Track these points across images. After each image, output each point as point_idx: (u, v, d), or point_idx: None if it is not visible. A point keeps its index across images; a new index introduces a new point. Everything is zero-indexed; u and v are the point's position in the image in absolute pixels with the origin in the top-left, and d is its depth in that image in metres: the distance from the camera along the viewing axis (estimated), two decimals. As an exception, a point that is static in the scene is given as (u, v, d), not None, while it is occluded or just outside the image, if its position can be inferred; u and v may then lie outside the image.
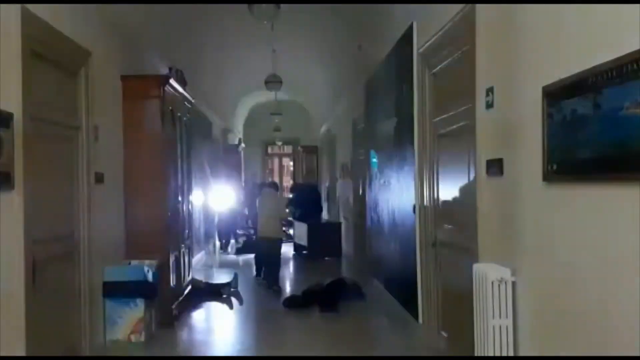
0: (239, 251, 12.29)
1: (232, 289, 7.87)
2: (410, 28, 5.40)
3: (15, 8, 3.55)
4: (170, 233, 6.26)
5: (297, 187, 15.15)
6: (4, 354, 3.39)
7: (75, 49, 4.60)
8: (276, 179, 20.87)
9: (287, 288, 8.13)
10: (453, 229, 4.46)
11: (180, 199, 6.87)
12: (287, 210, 8.77)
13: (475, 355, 3.50)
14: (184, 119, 7.20)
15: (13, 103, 3.48)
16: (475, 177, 3.82)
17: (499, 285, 3.23)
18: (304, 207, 12.23)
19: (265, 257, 8.32)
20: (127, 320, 5.36)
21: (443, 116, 4.61)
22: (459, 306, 4.24)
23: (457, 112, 4.25)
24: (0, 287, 3.39)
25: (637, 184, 2.12)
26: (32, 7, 3.74)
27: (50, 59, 4.19)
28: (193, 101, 7.73)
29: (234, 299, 7.58)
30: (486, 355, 3.29)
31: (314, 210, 12.77)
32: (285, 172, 22.21)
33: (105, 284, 5.24)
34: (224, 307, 7.22)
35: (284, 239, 9.38)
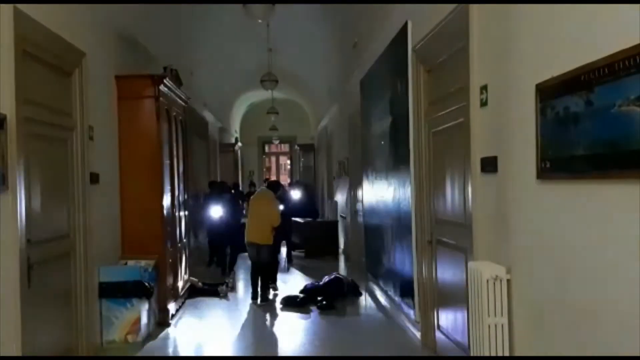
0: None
1: (229, 289, 7.88)
2: (405, 26, 5.40)
3: (7, 8, 3.53)
4: (167, 233, 6.25)
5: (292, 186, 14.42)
6: (-2, 355, 3.39)
7: (69, 50, 4.58)
8: (273, 177, 20.84)
9: (284, 287, 8.11)
10: (448, 227, 4.46)
11: (176, 198, 6.87)
12: (279, 216, 7.47)
13: (471, 353, 3.51)
14: (180, 118, 7.19)
15: (6, 104, 3.47)
16: (470, 175, 3.82)
17: (494, 284, 3.23)
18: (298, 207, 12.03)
19: (254, 265, 7.50)
20: (124, 321, 5.36)
21: (438, 114, 4.61)
22: (455, 304, 4.25)
23: (452, 110, 4.25)
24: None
25: (630, 182, 2.12)
26: (25, 8, 3.73)
27: (44, 60, 4.17)
28: (188, 100, 7.72)
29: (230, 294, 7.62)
30: (482, 353, 3.29)
31: (309, 209, 12.70)
32: (283, 170, 22.22)
33: (101, 284, 5.24)
34: (221, 305, 7.22)
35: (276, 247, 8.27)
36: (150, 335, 5.66)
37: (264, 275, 7.48)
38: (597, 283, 2.40)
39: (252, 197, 7.88)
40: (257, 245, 7.32)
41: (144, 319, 5.51)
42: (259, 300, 7.33)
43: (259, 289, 7.42)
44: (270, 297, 7.54)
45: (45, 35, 4.10)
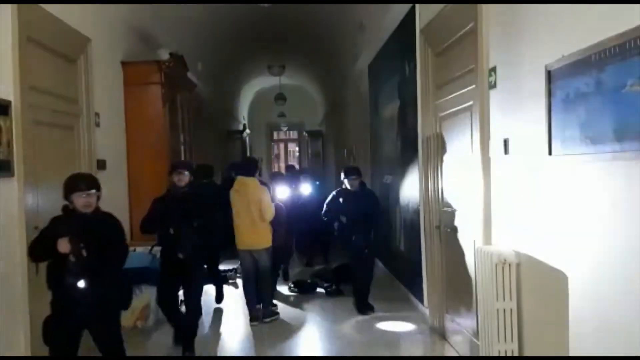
0: None
1: (238, 275, 7.88)
2: (413, 8, 5.33)
3: (10, -6, 3.51)
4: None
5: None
6: (6, 342, 3.40)
7: (74, 36, 4.57)
8: (282, 164, 20.79)
9: (293, 274, 8.10)
10: (457, 211, 4.43)
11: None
12: (270, 204, 5.72)
13: (480, 338, 3.49)
14: (186, 104, 7.17)
15: (10, 90, 3.47)
16: (478, 158, 3.78)
17: (502, 268, 3.20)
18: None
19: (252, 275, 5.89)
20: (133, 307, 5.31)
21: (447, 97, 4.55)
22: (464, 289, 4.22)
23: (461, 93, 4.19)
24: (1, 276, 3.39)
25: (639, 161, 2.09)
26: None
27: (48, 46, 4.16)
28: (195, 87, 7.69)
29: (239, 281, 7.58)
30: (490, 338, 3.27)
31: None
32: (291, 157, 22.20)
33: (110, 270, 5.24)
34: (230, 291, 7.22)
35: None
36: (160, 321, 5.67)
37: (263, 286, 5.92)
38: (610, 266, 2.36)
39: (232, 190, 5.81)
40: (253, 252, 5.79)
41: (153, 305, 5.52)
42: (260, 318, 5.79)
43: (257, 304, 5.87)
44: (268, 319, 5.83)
45: (49, 21, 4.08)
